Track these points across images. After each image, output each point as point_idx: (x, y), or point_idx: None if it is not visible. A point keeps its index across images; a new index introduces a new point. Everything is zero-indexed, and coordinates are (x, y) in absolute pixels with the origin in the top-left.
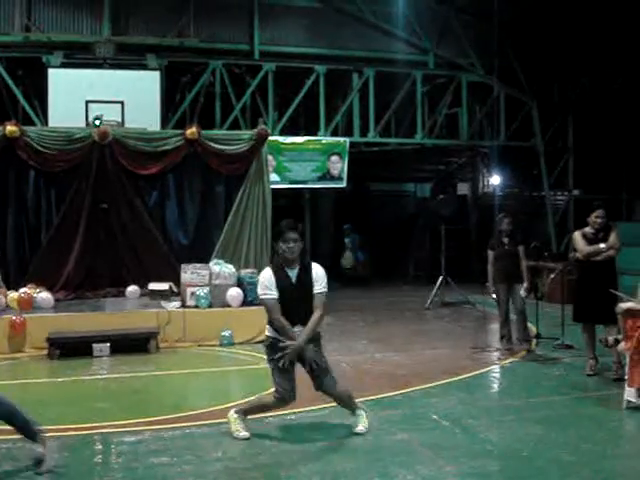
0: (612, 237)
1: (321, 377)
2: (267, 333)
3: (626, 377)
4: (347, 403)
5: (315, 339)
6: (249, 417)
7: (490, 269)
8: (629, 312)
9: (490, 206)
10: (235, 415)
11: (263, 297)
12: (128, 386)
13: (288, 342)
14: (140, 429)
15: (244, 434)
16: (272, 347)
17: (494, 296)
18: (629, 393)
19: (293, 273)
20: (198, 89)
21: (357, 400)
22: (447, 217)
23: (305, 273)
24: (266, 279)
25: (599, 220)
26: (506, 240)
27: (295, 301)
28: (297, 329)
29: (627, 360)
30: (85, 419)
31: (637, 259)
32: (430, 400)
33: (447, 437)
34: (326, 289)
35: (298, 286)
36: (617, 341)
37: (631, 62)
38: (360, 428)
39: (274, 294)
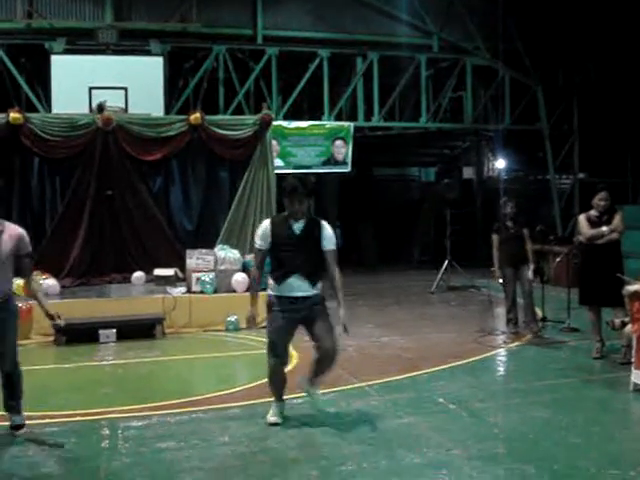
0: (616, 220)
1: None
2: (269, 289)
3: (633, 360)
4: (320, 371)
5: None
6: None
7: (495, 253)
8: (636, 295)
9: (495, 190)
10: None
11: (255, 246)
12: (134, 372)
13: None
14: (147, 414)
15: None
16: (271, 303)
17: (500, 280)
18: (636, 375)
19: (298, 225)
20: (201, 74)
21: (363, 384)
22: (452, 201)
23: (312, 227)
24: (261, 230)
25: (602, 203)
26: (510, 224)
27: (297, 251)
28: (293, 279)
29: (634, 343)
30: (92, 405)
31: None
32: (437, 384)
33: (454, 420)
34: (335, 247)
35: (303, 237)
36: (624, 324)
37: (636, 47)
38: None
39: (262, 245)
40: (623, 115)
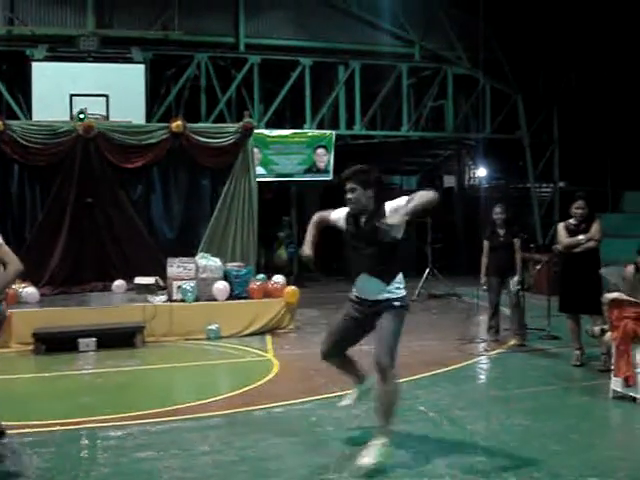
0: (593, 228)
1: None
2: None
3: (612, 367)
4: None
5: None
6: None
7: (484, 260)
8: (615, 302)
9: (476, 198)
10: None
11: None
12: (114, 381)
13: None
14: (126, 424)
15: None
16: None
17: (485, 287)
18: (615, 383)
19: (362, 219)
20: (183, 82)
21: (344, 393)
22: (433, 209)
23: (373, 219)
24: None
25: (579, 211)
26: (501, 232)
27: (356, 249)
28: (360, 283)
29: (613, 350)
30: (71, 414)
31: (622, 250)
32: (417, 392)
33: (434, 429)
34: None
35: (360, 233)
36: (603, 331)
37: (617, 56)
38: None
39: (335, 217)
40: (603, 124)
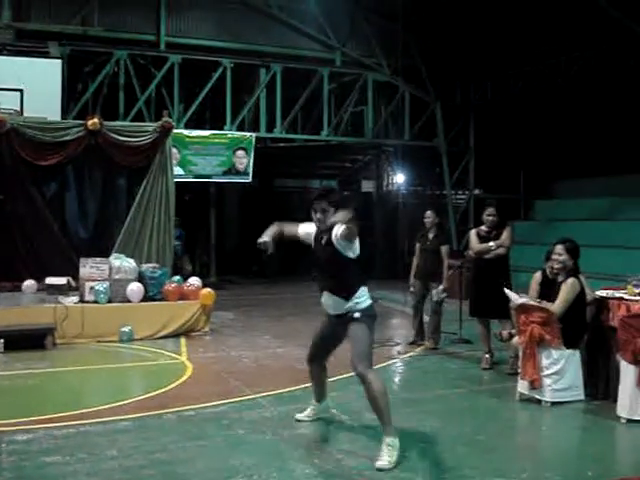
0: (503, 235)
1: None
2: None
3: (519, 370)
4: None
5: None
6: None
7: (414, 262)
8: (521, 307)
9: (394, 204)
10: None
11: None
12: (22, 383)
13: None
14: (32, 427)
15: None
16: None
17: (412, 289)
18: (522, 385)
19: (325, 237)
20: (101, 79)
21: (257, 396)
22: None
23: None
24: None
25: (490, 218)
26: (430, 235)
27: (319, 266)
28: (325, 298)
29: (520, 354)
30: None
31: (533, 257)
32: (330, 394)
33: (346, 431)
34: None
35: (319, 249)
36: (511, 335)
37: (531, 68)
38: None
39: (303, 232)
40: (516, 134)
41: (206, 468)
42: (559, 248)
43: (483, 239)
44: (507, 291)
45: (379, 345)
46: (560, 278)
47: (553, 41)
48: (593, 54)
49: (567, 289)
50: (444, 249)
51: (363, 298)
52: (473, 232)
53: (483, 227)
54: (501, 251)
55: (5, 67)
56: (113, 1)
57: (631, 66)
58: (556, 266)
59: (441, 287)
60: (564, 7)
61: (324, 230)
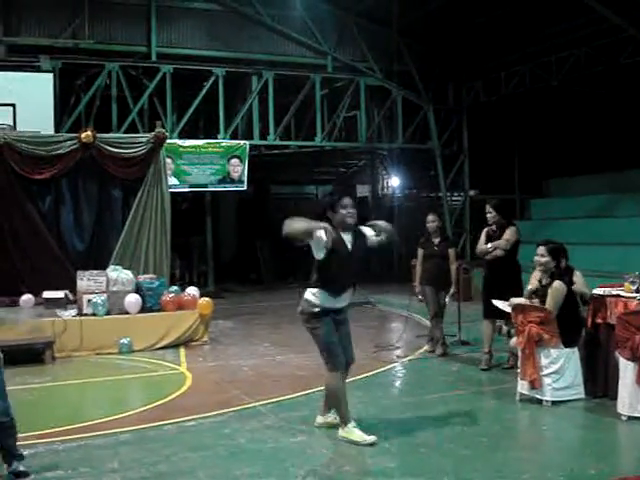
0: (503, 236)
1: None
2: (314, 300)
3: (518, 371)
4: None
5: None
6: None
7: (418, 268)
8: (519, 307)
9: (390, 207)
10: (341, 428)
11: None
12: (21, 399)
13: None
14: (33, 442)
15: (370, 438)
16: (318, 315)
17: (420, 297)
18: (522, 386)
19: (348, 237)
20: (94, 91)
21: (257, 404)
22: None
23: (358, 237)
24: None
25: (488, 215)
26: (436, 240)
27: (348, 266)
28: (345, 295)
29: (519, 354)
30: None
31: (529, 256)
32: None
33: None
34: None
35: (353, 250)
36: (510, 334)
37: (522, 68)
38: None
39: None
40: (510, 134)
41: (208, 478)
42: (541, 249)
43: (490, 239)
44: (495, 302)
45: (379, 349)
46: (544, 280)
47: (544, 40)
48: (584, 53)
49: (553, 293)
50: (452, 252)
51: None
52: (484, 231)
53: (493, 226)
54: (497, 253)
55: None
56: (103, 13)
57: (622, 64)
58: (538, 268)
59: (452, 290)
60: (554, 6)
61: (350, 227)
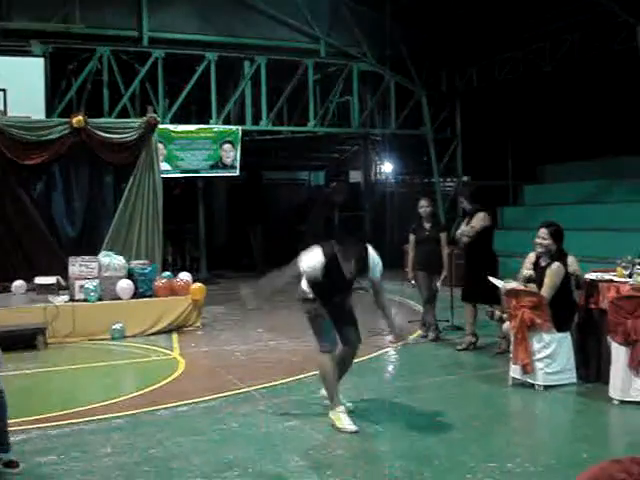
0: (471, 222)
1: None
2: (307, 291)
3: (511, 355)
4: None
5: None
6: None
7: (410, 254)
8: (512, 292)
9: (383, 193)
10: (331, 409)
11: (306, 270)
12: (14, 384)
13: None
14: (26, 428)
15: (352, 427)
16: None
17: (413, 282)
18: (514, 370)
19: (348, 264)
20: (85, 76)
21: (250, 389)
22: (340, 204)
23: (361, 263)
24: (315, 260)
25: (461, 206)
26: (427, 225)
27: (343, 287)
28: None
29: (512, 338)
30: None
31: (522, 242)
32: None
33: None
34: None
35: (350, 278)
36: (502, 319)
37: (516, 53)
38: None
39: (317, 274)
40: (503, 120)
41: (201, 463)
42: (543, 232)
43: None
44: (492, 279)
45: (373, 334)
46: (543, 262)
47: (537, 26)
48: (578, 38)
49: (552, 274)
50: (444, 237)
51: None
52: (465, 219)
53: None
54: (464, 239)
55: None
56: None
57: (616, 50)
58: (539, 250)
59: (444, 274)
60: None
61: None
